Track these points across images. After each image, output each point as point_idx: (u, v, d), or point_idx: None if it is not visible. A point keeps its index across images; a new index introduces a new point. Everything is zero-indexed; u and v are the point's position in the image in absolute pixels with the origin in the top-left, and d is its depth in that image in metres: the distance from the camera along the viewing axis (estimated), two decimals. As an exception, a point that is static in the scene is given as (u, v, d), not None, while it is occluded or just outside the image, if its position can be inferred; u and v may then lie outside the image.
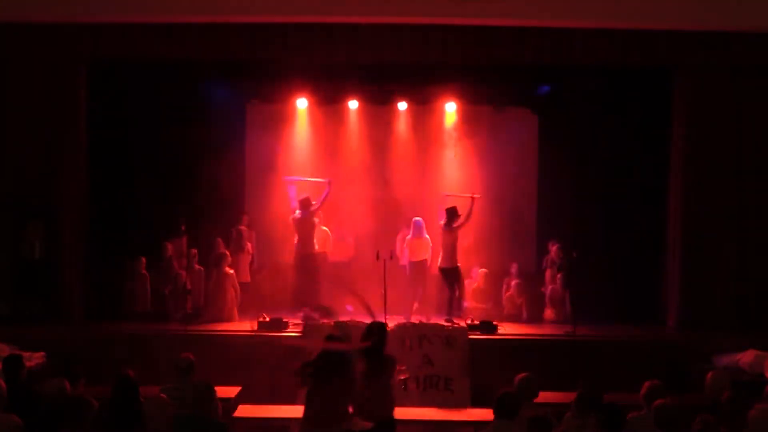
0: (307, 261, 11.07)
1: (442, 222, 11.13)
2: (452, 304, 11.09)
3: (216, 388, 6.54)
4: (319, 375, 5.89)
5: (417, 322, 10.32)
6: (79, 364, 7.73)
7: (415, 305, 11.33)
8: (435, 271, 11.41)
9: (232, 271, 11.21)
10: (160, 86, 11.75)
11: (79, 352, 9.46)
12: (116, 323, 10.69)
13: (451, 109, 12.92)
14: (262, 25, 10.67)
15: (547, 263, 12.07)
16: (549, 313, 11.67)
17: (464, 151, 12.97)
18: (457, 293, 11.14)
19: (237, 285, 11.25)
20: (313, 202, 11.09)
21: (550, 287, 11.75)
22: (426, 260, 11.42)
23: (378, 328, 6.68)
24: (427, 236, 11.45)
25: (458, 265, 11.17)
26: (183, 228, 11.86)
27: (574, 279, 11.18)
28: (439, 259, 11.19)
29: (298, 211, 11.08)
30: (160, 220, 11.85)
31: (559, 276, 11.67)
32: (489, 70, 11.56)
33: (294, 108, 12.92)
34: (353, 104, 12.91)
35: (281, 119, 13.03)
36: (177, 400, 6.17)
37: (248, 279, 11.83)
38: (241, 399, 8.35)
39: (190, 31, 10.71)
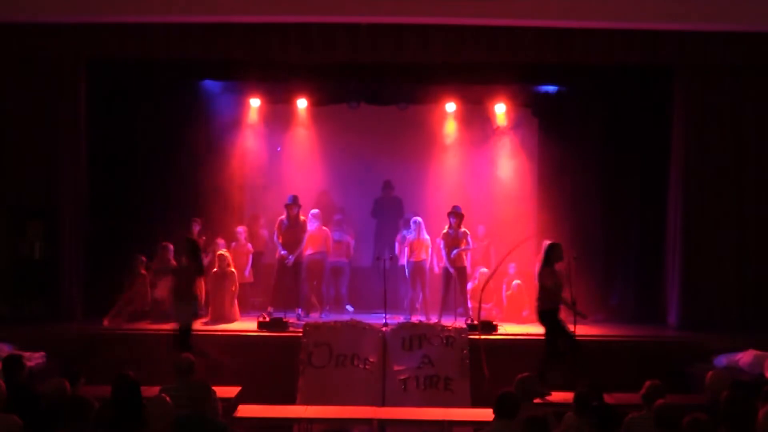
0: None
1: (447, 227, 11.16)
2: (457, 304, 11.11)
3: (216, 388, 6.56)
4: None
5: (417, 322, 10.33)
6: (79, 364, 7.74)
7: (416, 305, 11.35)
8: (439, 270, 11.44)
9: (233, 271, 11.21)
10: (160, 86, 11.76)
11: (79, 352, 9.48)
12: (116, 323, 10.67)
13: (451, 109, 12.91)
14: (262, 25, 10.67)
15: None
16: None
17: (464, 151, 12.96)
18: (461, 294, 11.16)
19: (237, 285, 11.24)
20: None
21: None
22: (426, 260, 11.41)
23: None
24: (427, 236, 11.44)
25: (465, 265, 11.20)
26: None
27: (572, 279, 11.15)
28: (446, 259, 11.19)
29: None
30: (159, 220, 11.85)
31: None
32: (489, 69, 11.55)
33: (294, 108, 12.92)
34: (353, 104, 12.89)
35: (281, 119, 13.03)
36: (177, 400, 6.16)
37: (250, 279, 11.84)
38: (241, 399, 8.35)
39: (190, 31, 10.71)
